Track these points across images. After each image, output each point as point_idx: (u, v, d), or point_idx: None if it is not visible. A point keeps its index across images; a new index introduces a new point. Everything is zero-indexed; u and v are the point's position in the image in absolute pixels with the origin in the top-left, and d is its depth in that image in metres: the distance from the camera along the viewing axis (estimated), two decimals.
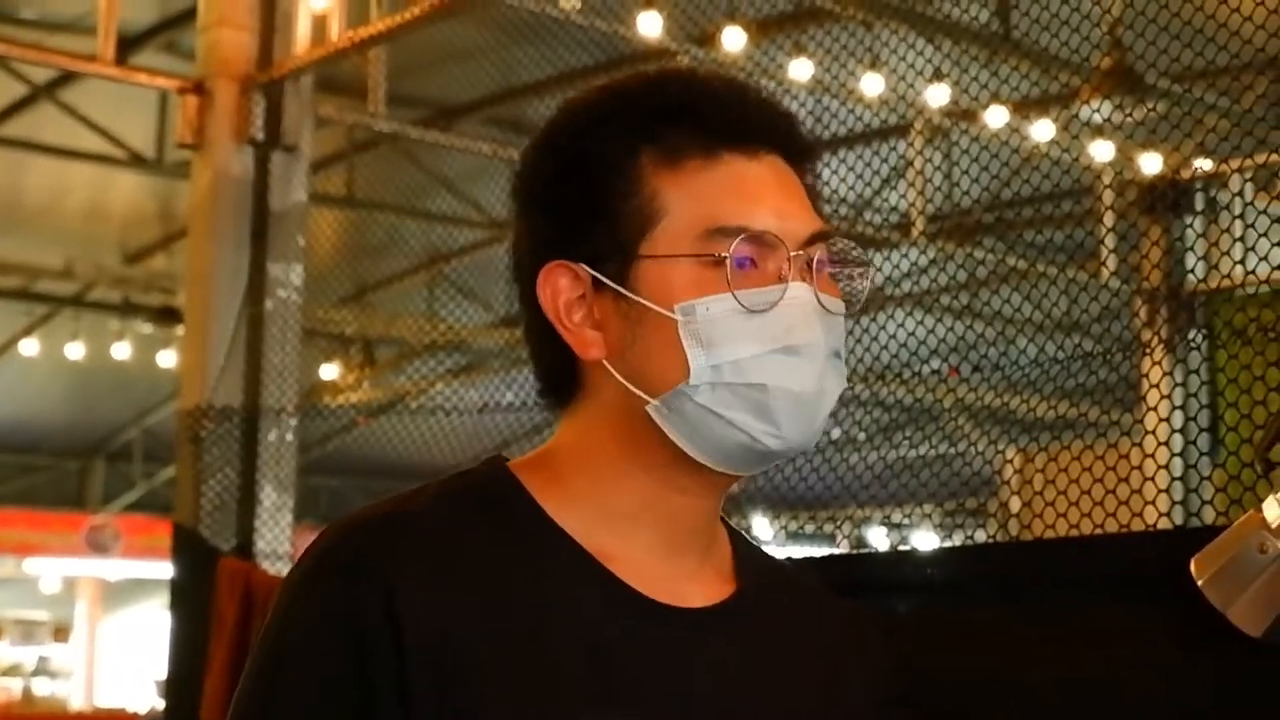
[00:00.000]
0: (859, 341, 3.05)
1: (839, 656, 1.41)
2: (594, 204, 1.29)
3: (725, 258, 1.24)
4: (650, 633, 1.28)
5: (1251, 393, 2.16)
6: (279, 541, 3.93)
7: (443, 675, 1.20)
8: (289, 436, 3.98)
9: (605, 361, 1.29)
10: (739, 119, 1.30)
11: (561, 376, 1.33)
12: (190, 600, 3.87)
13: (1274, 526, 1.60)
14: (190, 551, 3.96)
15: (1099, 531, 2.24)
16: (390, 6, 4.28)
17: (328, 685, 1.22)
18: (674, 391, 1.26)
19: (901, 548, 2.56)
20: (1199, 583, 1.65)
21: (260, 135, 4.08)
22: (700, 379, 1.25)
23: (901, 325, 3.11)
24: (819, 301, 1.27)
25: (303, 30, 4.09)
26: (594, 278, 1.28)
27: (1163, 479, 2.41)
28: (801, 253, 1.27)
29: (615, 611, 1.27)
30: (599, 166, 1.29)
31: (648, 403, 1.27)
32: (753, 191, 1.28)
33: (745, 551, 1.41)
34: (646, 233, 1.27)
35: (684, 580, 1.32)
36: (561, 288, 1.29)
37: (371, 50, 4.49)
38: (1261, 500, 1.65)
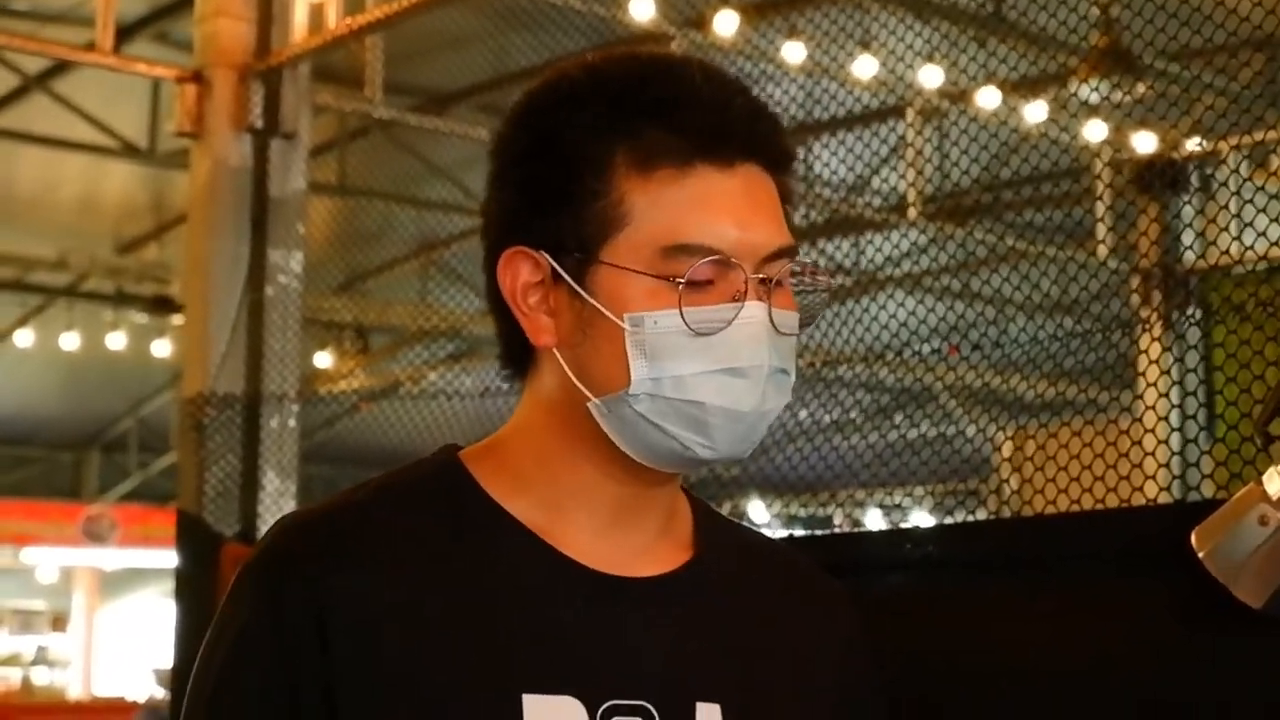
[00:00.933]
0: (859, 321, 3.06)
1: (800, 623, 1.42)
2: (563, 194, 1.29)
3: (679, 282, 1.24)
4: (597, 604, 1.29)
5: (1251, 367, 2.18)
6: None
7: (377, 666, 1.23)
8: (291, 422, 3.99)
9: (554, 350, 1.30)
10: (719, 127, 1.28)
11: (518, 354, 1.35)
12: (194, 587, 3.89)
13: (1274, 499, 1.61)
14: (194, 538, 3.98)
15: (1096, 508, 2.25)
16: None
17: (256, 687, 1.25)
18: (615, 396, 1.27)
19: (902, 526, 2.56)
20: (1200, 555, 1.67)
21: (259, 123, 4.08)
22: (640, 389, 1.26)
23: (901, 305, 3.12)
24: (771, 322, 1.27)
25: (300, 18, 4.09)
26: (553, 269, 1.29)
27: (1161, 455, 2.43)
28: (760, 274, 1.27)
29: (560, 586, 1.29)
30: (572, 155, 1.29)
31: (589, 400, 1.28)
32: (719, 207, 1.27)
33: (706, 522, 1.42)
34: (609, 237, 1.27)
35: (635, 554, 1.33)
36: (521, 272, 1.30)
37: (368, 38, 4.49)
38: (1261, 473, 1.66)
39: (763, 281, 1.27)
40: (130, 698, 13.23)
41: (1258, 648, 1.67)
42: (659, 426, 1.27)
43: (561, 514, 1.32)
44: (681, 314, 1.25)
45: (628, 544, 1.33)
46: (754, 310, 1.26)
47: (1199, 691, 1.73)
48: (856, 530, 2.56)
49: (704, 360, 1.26)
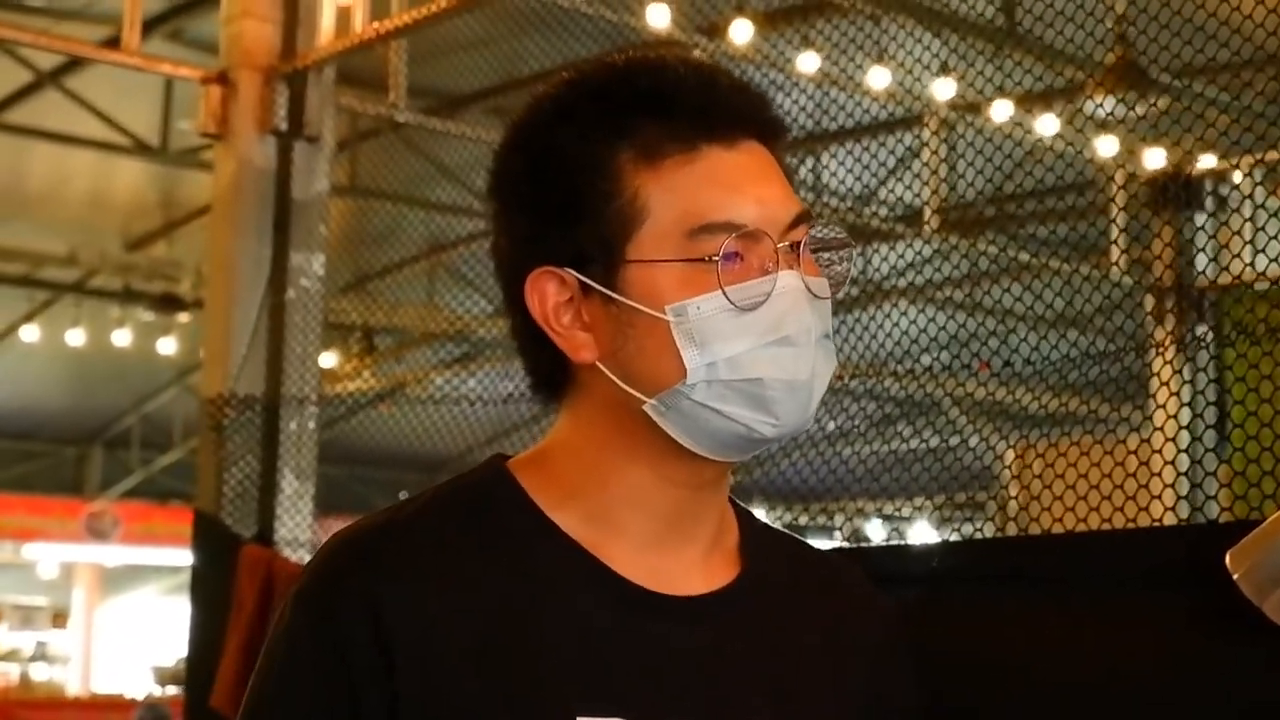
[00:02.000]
0: (865, 329, 3.06)
1: (843, 632, 1.42)
2: (575, 206, 1.29)
3: (714, 259, 1.25)
4: (644, 623, 1.29)
5: (1259, 390, 2.19)
6: (299, 529, 3.96)
7: (432, 680, 1.23)
8: (310, 425, 4.01)
9: (598, 363, 1.30)
10: (713, 108, 1.30)
11: (553, 375, 1.34)
12: (210, 587, 3.90)
13: None
14: (211, 538, 3.99)
15: (1105, 526, 2.25)
16: None
17: (319, 701, 1.26)
18: (671, 390, 1.27)
19: (901, 541, 2.57)
20: (1235, 576, 1.67)
21: (283, 126, 4.09)
22: (697, 378, 1.26)
23: (904, 314, 3.13)
24: (807, 287, 1.28)
25: (326, 21, 4.11)
26: (581, 281, 1.29)
27: (1168, 474, 2.43)
28: (786, 241, 1.28)
29: (609, 603, 1.29)
30: (576, 166, 1.29)
31: (644, 402, 1.28)
32: (734, 183, 1.28)
33: (753, 534, 1.42)
34: (631, 235, 1.27)
35: (686, 569, 1.34)
36: (549, 293, 1.30)
37: (393, 42, 4.50)
38: None
39: (789, 249, 1.28)
40: (129, 695, 13.23)
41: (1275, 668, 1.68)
42: (720, 412, 1.27)
43: (613, 527, 1.32)
44: (724, 292, 1.25)
45: (679, 558, 1.33)
46: (789, 279, 1.27)
47: (1213, 712, 1.74)
48: (872, 544, 2.57)
49: (753, 336, 1.26)
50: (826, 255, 1.34)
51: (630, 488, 1.32)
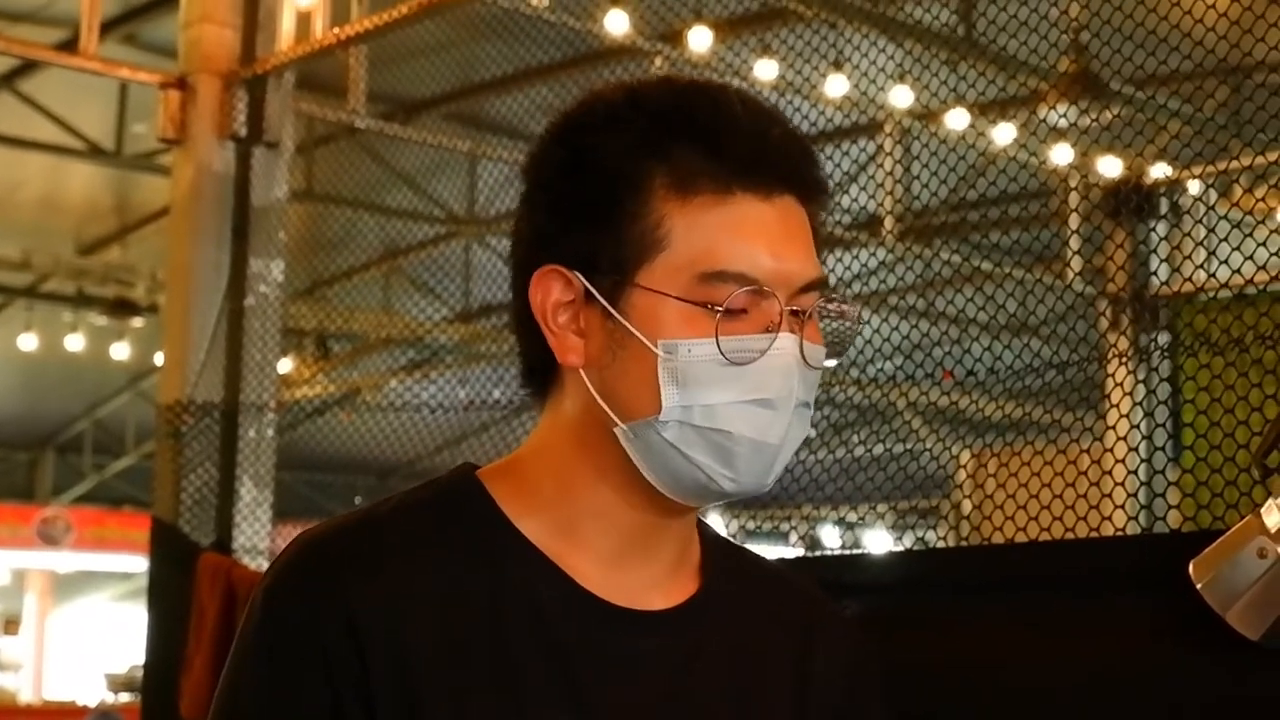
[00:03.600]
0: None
1: (804, 651, 1.42)
2: (599, 216, 1.28)
3: (717, 310, 1.25)
4: (606, 636, 1.30)
5: (1213, 394, 2.20)
6: (258, 537, 3.94)
7: (405, 685, 1.23)
8: (269, 432, 3.99)
9: (581, 370, 1.30)
10: (758, 156, 1.28)
11: (541, 371, 1.34)
12: (168, 595, 3.88)
13: (1273, 532, 1.63)
14: (169, 546, 3.97)
15: (1061, 531, 2.26)
16: (372, 5, 4.29)
17: (295, 699, 1.24)
18: (643, 421, 1.27)
19: (859, 550, 2.58)
20: (1198, 585, 1.69)
21: (243, 131, 4.08)
22: (670, 416, 1.26)
23: (865, 324, 3.13)
24: (802, 354, 1.28)
25: (286, 27, 4.09)
26: (586, 289, 1.29)
27: (1125, 481, 2.44)
28: (793, 305, 1.28)
29: (572, 615, 1.29)
30: (611, 177, 1.28)
31: (616, 424, 1.28)
32: (758, 236, 1.27)
33: (713, 549, 1.42)
34: (646, 261, 1.26)
35: (647, 585, 1.34)
36: (553, 290, 1.30)
37: (354, 48, 4.49)
38: (1258, 505, 1.69)
39: (795, 313, 1.28)
40: (82, 702, 13.13)
41: (1245, 671, 1.70)
42: (685, 455, 1.27)
43: (577, 538, 1.32)
44: (718, 343, 1.25)
45: (641, 574, 1.34)
46: (786, 342, 1.27)
47: (1185, 712, 1.76)
48: (839, 552, 2.57)
49: (735, 390, 1.26)
50: (834, 311, 1.34)
51: (596, 503, 1.32)
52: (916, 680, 1.90)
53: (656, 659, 1.31)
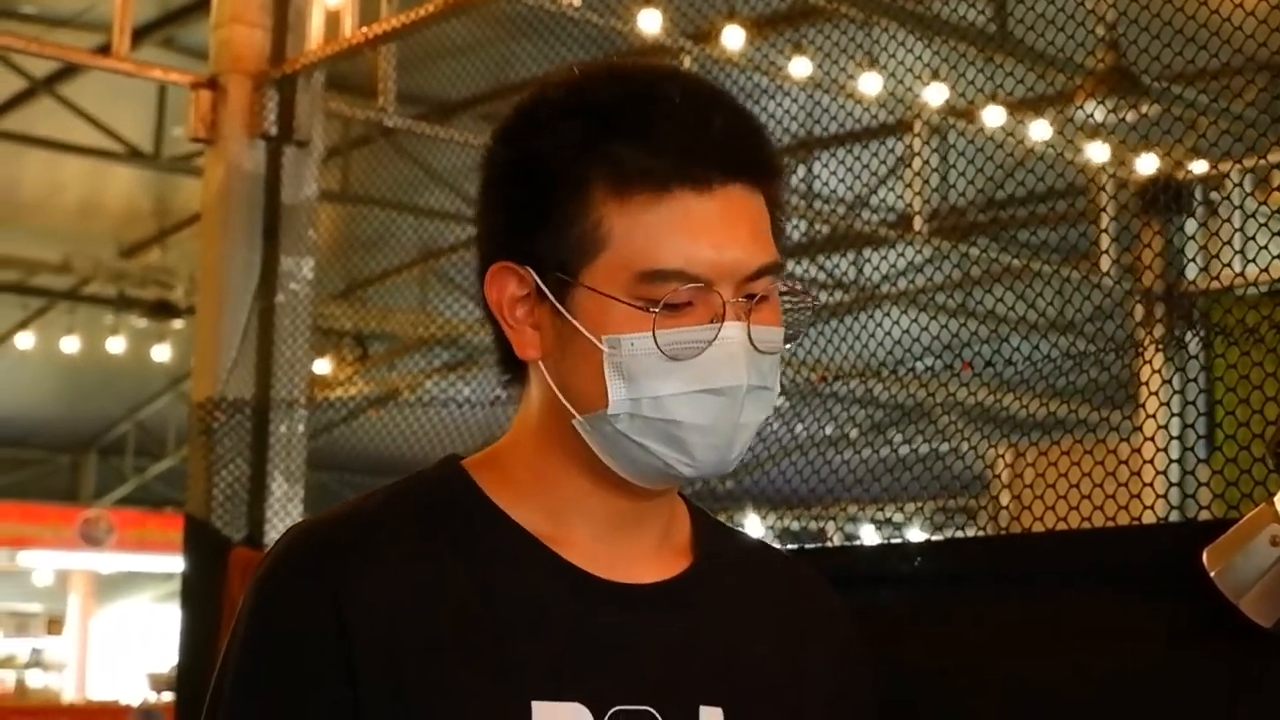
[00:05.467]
0: (857, 338, 3.07)
1: (797, 628, 1.44)
2: (543, 216, 1.30)
3: (654, 310, 1.26)
4: (601, 611, 1.32)
5: (1250, 379, 2.20)
6: None
7: (394, 670, 1.25)
8: (299, 429, 4.02)
9: (540, 363, 1.33)
10: (695, 148, 1.29)
11: (511, 364, 1.37)
12: (201, 590, 3.92)
13: None
14: (202, 542, 4.01)
15: (1098, 527, 2.26)
16: (401, 3, 4.31)
17: (284, 690, 1.26)
18: (597, 414, 1.29)
19: (880, 541, 2.58)
20: (1211, 574, 1.69)
21: (273, 130, 4.11)
22: (619, 409, 1.28)
23: (896, 323, 3.14)
24: (750, 341, 1.28)
25: (316, 26, 4.13)
26: (538, 285, 1.31)
27: (1159, 480, 2.44)
28: (737, 298, 1.28)
29: (564, 591, 1.32)
30: (549, 181, 1.30)
31: (574, 417, 1.31)
32: (696, 231, 1.28)
33: (704, 529, 1.45)
34: (588, 261, 1.28)
35: (636, 561, 1.36)
36: (508, 286, 1.32)
37: (383, 47, 4.52)
38: (1272, 494, 1.69)
39: (744, 299, 1.29)
40: (124, 701, 13.23)
41: (1262, 666, 1.70)
42: (640, 444, 1.30)
43: (564, 522, 1.35)
44: (655, 339, 1.26)
45: (629, 551, 1.36)
46: (732, 331, 1.28)
47: (1200, 705, 1.75)
48: (847, 544, 2.57)
49: (681, 381, 1.28)
50: (791, 300, 1.35)
51: (573, 490, 1.35)
52: (925, 672, 1.91)
53: (654, 630, 1.34)
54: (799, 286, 1.34)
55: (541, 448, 1.35)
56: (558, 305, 1.30)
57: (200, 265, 4.43)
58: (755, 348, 1.29)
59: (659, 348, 1.26)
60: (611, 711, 1.28)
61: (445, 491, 1.36)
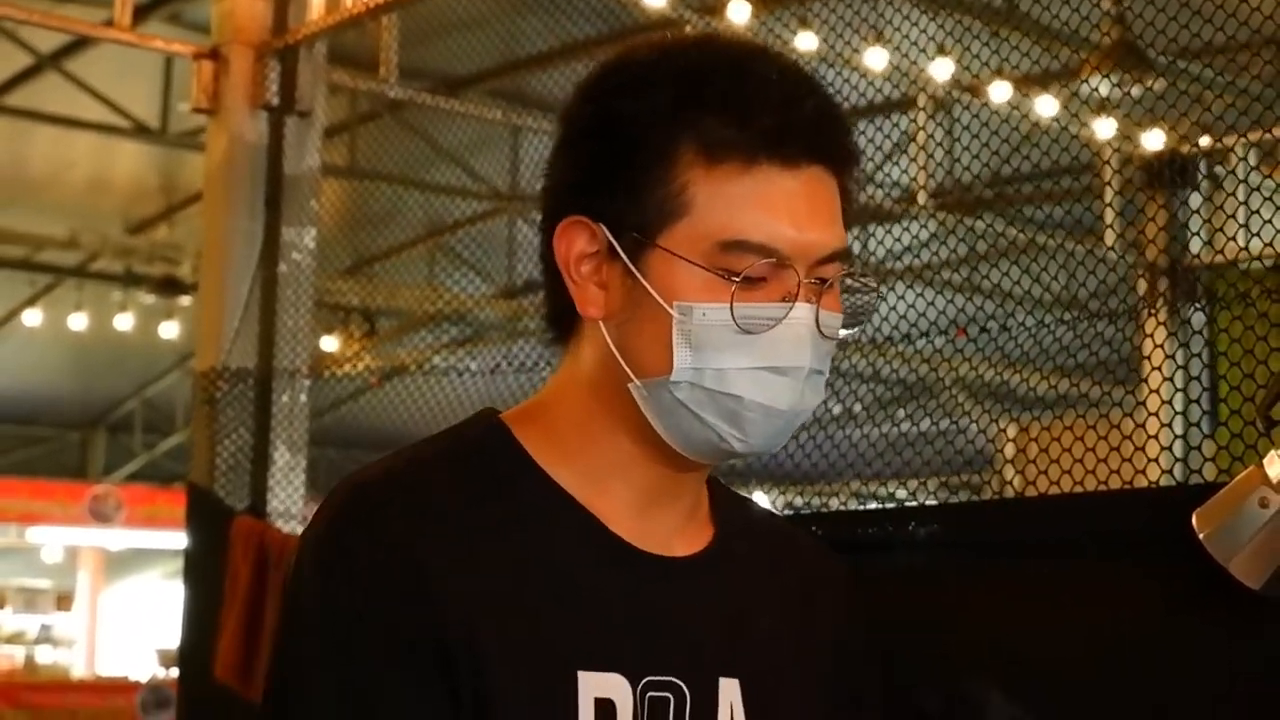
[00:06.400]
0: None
1: (804, 598, 1.46)
2: (625, 176, 1.30)
3: (734, 279, 1.26)
4: (642, 582, 1.33)
5: (1255, 352, 2.20)
6: (291, 501, 3.99)
7: (460, 628, 1.24)
8: (301, 398, 4.04)
9: (600, 323, 1.32)
10: (786, 126, 1.29)
11: (564, 319, 1.36)
12: (204, 563, 3.93)
13: (1275, 482, 1.63)
14: (205, 511, 4.03)
15: (1096, 490, 2.27)
16: None
17: (375, 645, 1.24)
18: (656, 380, 1.29)
19: (877, 505, 2.58)
20: (1200, 536, 1.69)
21: (275, 101, 4.12)
22: (682, 378, 1.28)
23: (900, 298, 3.14)
24: (818, 325, 1.29)
25: None
26: (609, 243, 1.30)
27: (1164, 453, 2.44)
28: (813, 276, 1.29)
29: (605, 560, 1.32)
30: (638, 139, 1.30)
31: (630, 380, 1.30)
32: (779, 208, 1.28)
33: (721, 500, 1.45)
34: (668, 225, 1.28)
35: (668, 532, 1.36)
36: (577, 241, 1.32)
37: (385, 18, 4.52)
38: (1263, 456, 1.69)
39: (816, 282, 1.29)
40: (133, 677, 13.27)
41: (1252, 628, 1.70)
42: (697, 415, 1.29)
43: (603, 486, 1.34)
44: (732, 311, 1.26)
45: (663, 523, 1.36)
46: (802, 312, 1.28)
47: (1195, 669, 1.76)
48: (852, 509, 2.58)
49: (747, 356, 1.28)
50: (854, 292, 1.36)
51: (617, 454, 1.34)
52: (917, 637, 1.91)
53: (683, 603, 1.34)
54: (865, 277, 1.35)
55: (590, 407, 1.34)
56: (630, 265, 1.29)
57: (203, 236, 4.44)
58: (821, 332, 1.29)
59: (734, 319, 1.26)
60: (644, 682, 1.29)
61: (486, 450, 1.35)
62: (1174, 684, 1.77)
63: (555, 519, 1.32)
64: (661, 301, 1.28)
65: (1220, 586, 1.67)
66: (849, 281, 1.34)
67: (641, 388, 1.30)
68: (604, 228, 1.30)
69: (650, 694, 1.29)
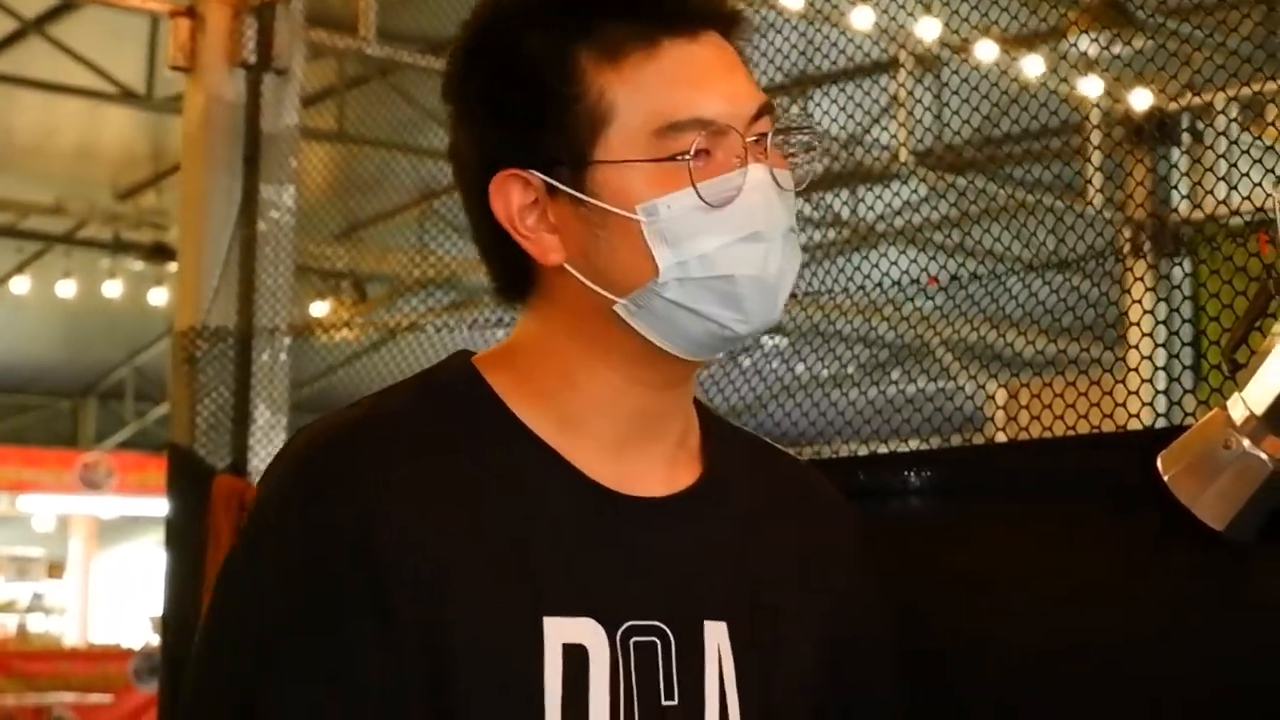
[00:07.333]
0: (850, 278, 3.06)
1: (804, 531, 1.43)
2: (540, 110, 1.29)
3: (685, 158, 1.25)
4: (611, 524, 1.31)
5: (1234, 308, 2.20)
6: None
7: (411, 584, 1.23)
8: (282, 356, 4.04)
9: (566, 264, 1.30)
10: (670, 2, 1.29)
11: (518, 280, 1.34)
12: (186, 523, 3.93)
13: (1239, 424, 1.64)
14: (186, 471, 4.03)
15: (1074, 434, 2.27)
16: None
17: (313, 594, 1.24)
18: (643, 290, 1.28)
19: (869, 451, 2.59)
20: (1165, 478, 1.70)
21: (252, 58, 4.11)
22: (669, 276, 1.27)
23: (893, 262, 3.13)
24: (774, 180, 1.29)
25: None
26: (547, 184, 1.29)
27: (1145, 407, 2.45)
28: (752, 135, 1.29)
29: (578, 505, 1.30)
30: (538, 70, 1.29)
31: (615, 302, 1.29)
32: (698, 78, 1.28)
33: (716, 434, 1.43)
34: (598, 137, 1.27)
35: (651, 471, 1.35)
36: (514, 196, 1.30)
37: None
38: (1227, 399, 1.70)
39: (755, 142, 1.29)
40: (126, 645, 13.29)
41: (1218, 569, 1.71)
42: (692, 310, 1.28)
43: (580, 428, 1.32)
44: (696, 190, 1.25)
45: (645, 459, 1.34)
46: (758, 172, 1.28)
47: (1161, 609, 1.77)
48: (846, 456, 2.58)
49: (724, 232, 1.27)
50: (789, 147, 1.34)
51: (599, 389, 1.32)
52: (927, 581, 1.92)
53: (664, 545, 1.32)
54: (798, 122, 1.34)
55: (568, 351, 1.32)
56: (577, 194, 1.28)
57: (181, 194, 4.43)
58: (780, 185, 1.29)
59: (701, 197, 1.25)
60: (624, 627, 1.28)
61: (459, 395, 1.33)
62: (1142, 624, 1.79)
63: (526, 465, 1.30)
64: (622, 213, 1.27)
65: (1184, 528, 1.67)
66: (785, 138, 1.32)
67: (629, 304, 1.28)
68: (535, 173, 1.29)
69: (635, 639, 1.28)
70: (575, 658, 1.25)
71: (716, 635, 1.32)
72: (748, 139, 1.28)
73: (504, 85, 1.31)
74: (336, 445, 1.29)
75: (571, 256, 1.30)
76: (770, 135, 1.30)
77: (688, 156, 1.25)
